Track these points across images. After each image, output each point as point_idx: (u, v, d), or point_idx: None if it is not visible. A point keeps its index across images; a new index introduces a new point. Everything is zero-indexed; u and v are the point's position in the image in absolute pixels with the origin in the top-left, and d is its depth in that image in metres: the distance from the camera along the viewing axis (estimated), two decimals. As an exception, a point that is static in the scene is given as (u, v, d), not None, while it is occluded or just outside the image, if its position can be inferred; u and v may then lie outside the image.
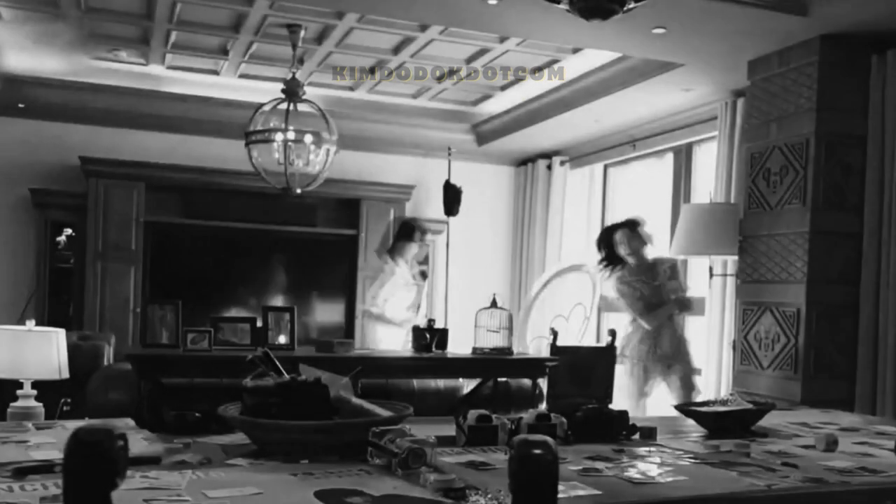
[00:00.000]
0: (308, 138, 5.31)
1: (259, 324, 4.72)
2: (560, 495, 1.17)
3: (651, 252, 5.33)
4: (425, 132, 7.52)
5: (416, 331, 5.15)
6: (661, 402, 5.03)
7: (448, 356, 4.99)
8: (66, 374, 3.93)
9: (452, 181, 7.30)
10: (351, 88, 6.59)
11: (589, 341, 6.93)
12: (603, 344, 6.03)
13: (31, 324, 3.91)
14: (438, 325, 5.32)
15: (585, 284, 6.97)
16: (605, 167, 7.55)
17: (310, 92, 5.69)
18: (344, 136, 5.63)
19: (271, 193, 5.89)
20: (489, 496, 1.37)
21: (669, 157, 6.59)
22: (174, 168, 6.98)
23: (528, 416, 1.98)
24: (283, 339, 4.69)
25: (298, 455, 1.66)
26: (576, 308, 6.95)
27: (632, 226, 5.33)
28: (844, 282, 4.30)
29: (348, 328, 7.52)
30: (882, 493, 1.65)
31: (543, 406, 4.79)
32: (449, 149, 7.45)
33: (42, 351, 3.73)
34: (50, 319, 6.34)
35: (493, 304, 5.25)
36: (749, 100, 4.80)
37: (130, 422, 2.05)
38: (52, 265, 6.94)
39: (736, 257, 4.79)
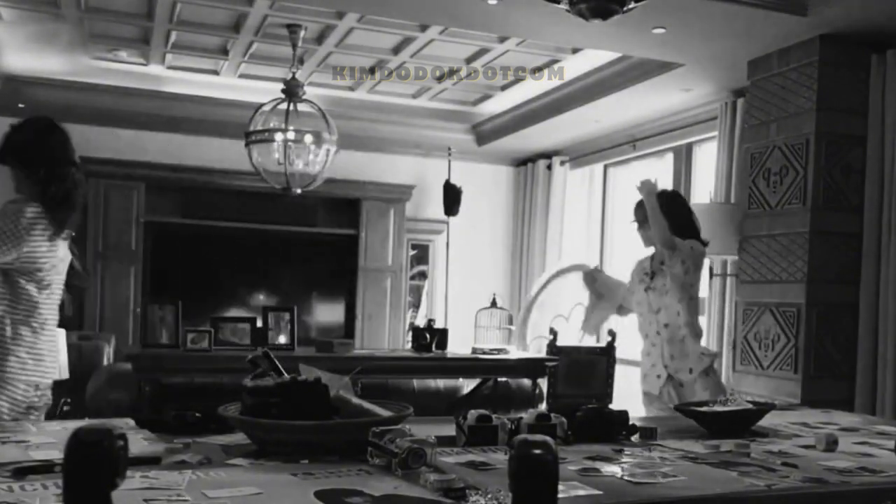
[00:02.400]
0: (308, 138, 5.31)
1: (259, 324, 4.72)
2: (560, 495, 1.17)
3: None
4: (425, 132, 7.53)
5: (416, 331, 5.16)
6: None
7: (448, 356, 5.00)
8: (66, 375, 3.93)
9: (452, 181, 7.30)
10: (351, 88, 6.59)
11: (589, 341, 6.93)
12: (603, 344, 6.03)
13: (31, 324, 3.90)
14: (438, 325, 5.33)
15: (586, 284, 6.97)
16: (605, 167, 7.56)
17: (310, 92, 5.69)
18: (344, 136, 5.63)
19: (271, 193, 5.89)
20: (489, 496, 1.37)
21: (669, 157, 6.59)
22: (174, 168, 6.98)
23: (528, 416, 1.98)
24: (283, 339, 4.69)
25: (298, 455, 1.65)
26: (576, 308, 6.96)
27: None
28: (844, 282, 4.30)
29: (348, 328, 7.53)
30: (882, 493, 1.64)
31: (543, 406, 4.79)
32: (449, 149, 7.45)
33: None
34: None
35: (493, 304, 5.26)
36: (749, 100, 4.80)
37: (130, 422, 2.05)
38: (52, 265, 6.93)
39: (736, 257, 4.79)
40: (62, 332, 3.96)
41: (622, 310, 4.28)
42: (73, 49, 5.80)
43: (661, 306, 3.89)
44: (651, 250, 3.99)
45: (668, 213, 3.82)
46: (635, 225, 4.00)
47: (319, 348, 4.78)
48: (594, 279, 4.33)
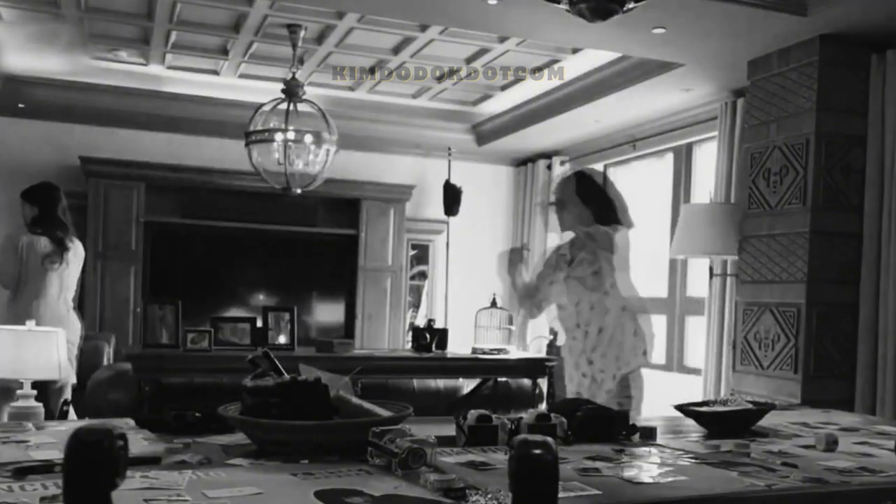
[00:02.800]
0: (308, 138, 5.32)
1: (259, 324, 4.72)
2: (560, 495, 1.17)
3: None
4: (425, 132, 7.53)
5: (416, 331, 5.16)
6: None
7: (448, 356, 5.00)
8: (66, 375, 3.93)
9: (452, 181, 7.30)
10: (351, 88, 6.59)
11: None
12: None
13: (31, 324, 3.91)
14: (438, 325, 5.33)
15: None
16: (605, 167, 7.55)
17: (310, 92, 5.69)
18: (344, 136, 5.63)
19: (271, 193, 5.89)
20: (489, 496, 1.37)
21: (669, 157, 6.60)
22: (174, 168, 6.99)
23: (528, 416, 1.98)
24: (283, 339, 4.69)
25: (298, 455, 1.65)
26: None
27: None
28: (844, 282, 4.30)
29: (348, 328, 7.53)
30: (882, 493, 1.64)
31: (543, 406, 4.79)
32: (449, 149, 7.45)
33: (42, 351, 3.72)
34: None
35: (493, 304, 5.26)
36: (749, 100, 4.80)
37: (130, 422, 2.05)
38: (52, 265, 6.94)
39: (736, 257, 4.79)
40: (62, 333, 3.97)
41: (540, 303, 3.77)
42: (73, 49, 5.80)
43: (582, 300, 3.53)
44: (569, 235, 3.68)
45: (586, 199, 3.53)
46: (552, 207, 3.69)
47: (319, 348, 4.79)
48: (521, 259, 3.85)
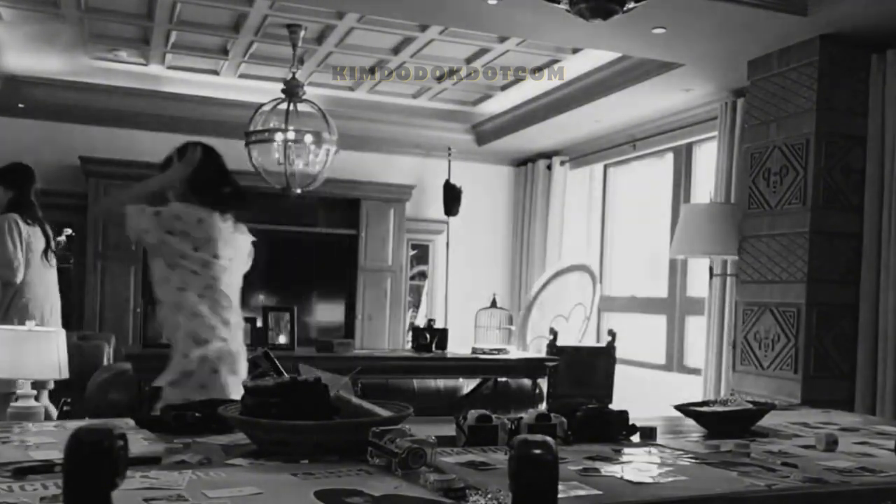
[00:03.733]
0: (308, 138, 5.32)
1: (259, 324, 4.72)
2: (560, 495, 1.17)
3: None
4: (425, 132, 7.53)
5: (416, 331, 5.17)
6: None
7: (448, 356, 5.00)
8: (66, 375, 3.93)
9: (452, 181, 7.31)
10: (351, 88, 6.59)
11: (589, 341, 6.94)
12: (603, 344, 6.04)
13: (31, 324, 3.91)
14: (438, 325, 5.33)
15: (586, 284, 6.98)
16: (605, 167, 7.56)
17: (310, 92, 5.69)
18: (344, 136, 5.63)
19: (271, 193, 5.89)
20: (489, 496, 1.37)
21: (669, 157, 6.60)
22: (174, 168, 6.98)
23: (528, 416, 1.98)
24: (283, 339, 4.70)
25: (298, 455, 1.65)
26: (576, 308, 6.97)
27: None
28: (844, 282, 4.30)
29: (348, 328, 7.53)
30: (882, 493, 1.64)
31: (543, 406, 4.79)
32: (449, 149, 7.46)
33: (42, 351, 3.72)
34: (50, 319, 6.33)
35: (493, 304, 5.27)
36: (749, 100, 4.80)
37: (130, 422, 2.05)
38: (52, 265, 6.93)
39: (736, 257, 4.80)
40: (62, 332, 3.97)
41: None
42: (73, 49, 5.80)
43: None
44: None
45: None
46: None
47: (319, 348, 4.79)
48: None
